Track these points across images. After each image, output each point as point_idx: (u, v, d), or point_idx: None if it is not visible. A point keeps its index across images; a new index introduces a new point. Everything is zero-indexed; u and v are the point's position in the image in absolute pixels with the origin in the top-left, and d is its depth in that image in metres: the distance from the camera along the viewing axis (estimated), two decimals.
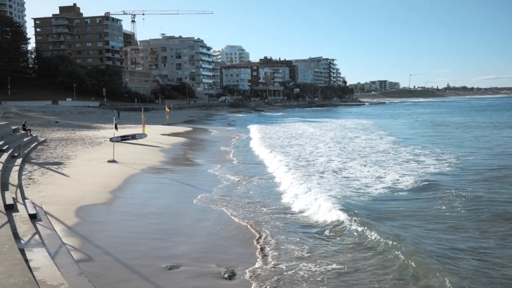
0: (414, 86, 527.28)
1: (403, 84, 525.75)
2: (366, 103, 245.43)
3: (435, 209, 15.67)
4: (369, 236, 12.46)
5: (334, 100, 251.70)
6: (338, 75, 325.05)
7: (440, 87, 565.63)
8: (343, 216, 14.09)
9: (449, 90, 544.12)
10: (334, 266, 10.63)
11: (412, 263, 10.46)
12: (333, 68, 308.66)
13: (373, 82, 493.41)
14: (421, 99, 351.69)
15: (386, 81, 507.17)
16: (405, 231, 13.02)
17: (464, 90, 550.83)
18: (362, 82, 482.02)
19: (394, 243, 11.59)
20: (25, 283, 6.84)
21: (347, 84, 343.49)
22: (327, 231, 13.41)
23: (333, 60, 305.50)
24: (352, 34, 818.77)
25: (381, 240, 11.96)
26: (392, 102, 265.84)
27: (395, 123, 75.34)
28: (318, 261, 10.95)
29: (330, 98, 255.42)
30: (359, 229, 13.02)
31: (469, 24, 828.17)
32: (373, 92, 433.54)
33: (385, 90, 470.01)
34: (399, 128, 60.40)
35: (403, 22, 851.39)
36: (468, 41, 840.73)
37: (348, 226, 13.43)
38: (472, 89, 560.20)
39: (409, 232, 12.98)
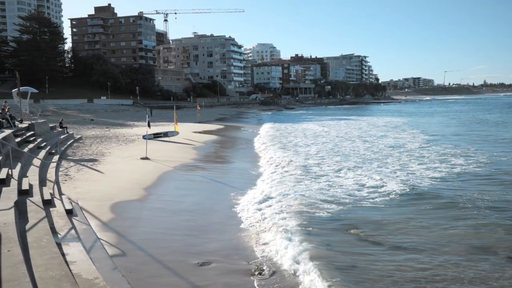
0: (449, 83, 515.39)
1: (438, 81, 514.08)
2: (396, 101, 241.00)
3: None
4: None
5: (366, 98, 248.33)
6: (370, 72, 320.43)
7: (476, 84, 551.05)
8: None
9: (486, 87, 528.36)
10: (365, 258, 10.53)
11: None
12: (365, 65, 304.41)
13: (406, 79, 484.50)
14: (454, 96, 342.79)
15: (419, 78, 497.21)
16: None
17: (501, 87, 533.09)
18: (395, 79, 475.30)
19: None
20: (62, 276, 7.02)
21: (380, 82, 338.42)
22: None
23: (365, 57, 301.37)
24: (385, 31, 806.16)
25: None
26: (421, 100, 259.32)
27: (428, 121, 73.64)
28: (349, 257, 10.90)
29: (362, 95, 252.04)
30: None
31: (506, 20, 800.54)
32: (406, 89, 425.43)
33: (419, 87, 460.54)
34: (431, 127, 59.02)
35: (438, 18, 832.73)
36: (506, 37, 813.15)
37: None
38: (510, 85, 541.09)
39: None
